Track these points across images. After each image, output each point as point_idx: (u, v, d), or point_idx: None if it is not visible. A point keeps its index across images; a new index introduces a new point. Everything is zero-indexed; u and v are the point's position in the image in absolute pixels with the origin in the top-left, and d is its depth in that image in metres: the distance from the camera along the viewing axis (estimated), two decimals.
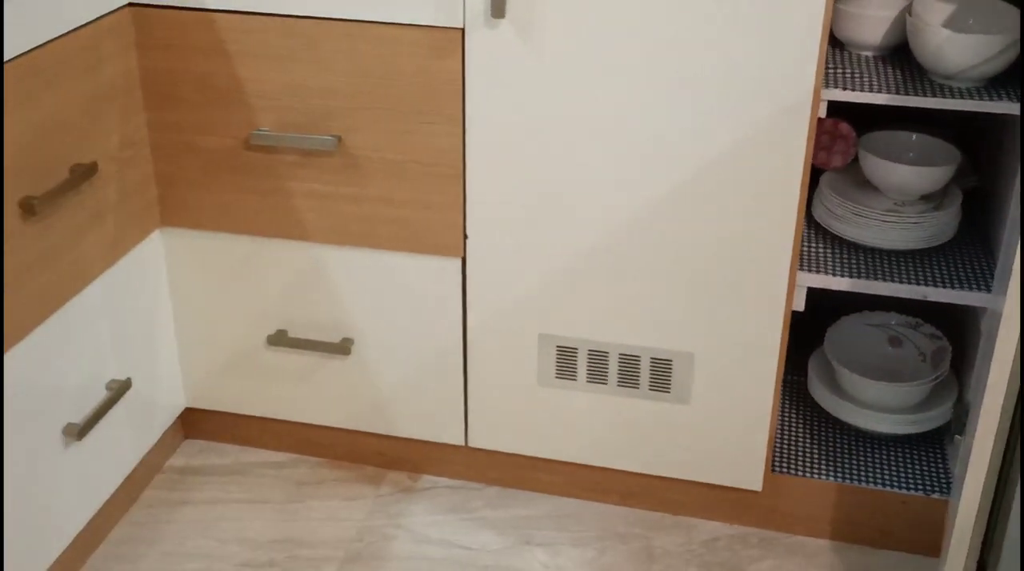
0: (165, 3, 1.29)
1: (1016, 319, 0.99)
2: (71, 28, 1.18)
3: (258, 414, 1.55)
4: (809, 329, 1.53)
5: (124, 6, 1.28)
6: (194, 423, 1.60)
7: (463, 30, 1.22)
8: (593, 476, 1.48)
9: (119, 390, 1.33)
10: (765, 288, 1.28)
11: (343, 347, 1.44)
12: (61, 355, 1.24)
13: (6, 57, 1.08)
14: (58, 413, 1.24)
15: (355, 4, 1.24)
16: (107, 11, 1.24)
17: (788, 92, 1.17)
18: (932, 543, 1.40)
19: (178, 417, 1.56)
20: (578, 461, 1.46)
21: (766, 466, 1.39)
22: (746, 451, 1.38)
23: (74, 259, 1.23)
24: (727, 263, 1.28)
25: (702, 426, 1.38)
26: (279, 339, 1.45)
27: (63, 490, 1.27)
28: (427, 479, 1.55)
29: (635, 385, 1.38)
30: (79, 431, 1.26)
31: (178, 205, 1.40)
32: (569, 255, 1.32)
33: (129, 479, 1.45)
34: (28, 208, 1.13)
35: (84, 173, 1.21)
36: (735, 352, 1.33)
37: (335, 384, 1.48)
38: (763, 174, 1.22)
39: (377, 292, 1.40)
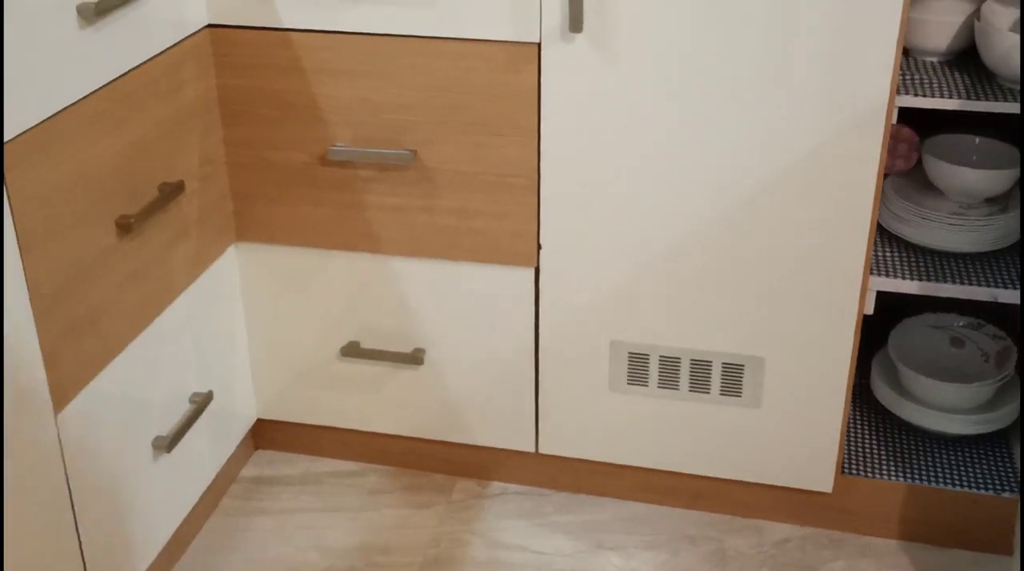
0: (242, 23, 1.32)
1: None
2: (157, 52, 1.21)
3: (328, 424, 1.57)
4: (867, 331, 1.54)
5: (203, 28, 1.31)
6: (263, 434, 1.63)
7: (539, 44, 1.25)
8: (663, 480, 1.50)
9: (202, 403, 1.36)
10: (837, 292, 1.30)
11: (415, 357, 1.46)
12: (151, 370, 1.27)
13: (99, 83, 1.11)
14: (148, 426, 1.27)
15: (431, 22, 1.26)
16: (188, 34, 1.28)
17: (863, 100, 1.19)
18: (1003, 542, 1.41)
19: (249, 428, 1.59)
20: (647, 466, 1.48)
21: (836, 468, 1.41)
22: (817, 453, 1.40)
23: (162, 275, 1.26)
24: (799, 268, 1.30)
25: (773, 429, 1.40)
26: (352, 350, 1.48)
27: (153, 501, 1.30)
28: (496, 485, 1.57)
29: (706, 390, 1.40)
30: (168, 443, 1.29)
31: (253, 220, 1.43)
32: (641, 263, 1.34)
33: (208, 489, 1.48)
34: (125, 226, 1.16)
35: (172, 191, 1.24)
36: (806, 356, 1.35)
37: (406, 394, 1.51)
38: (837, 180, 1.24)
39: (450, 302, 1.43)
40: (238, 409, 1.52)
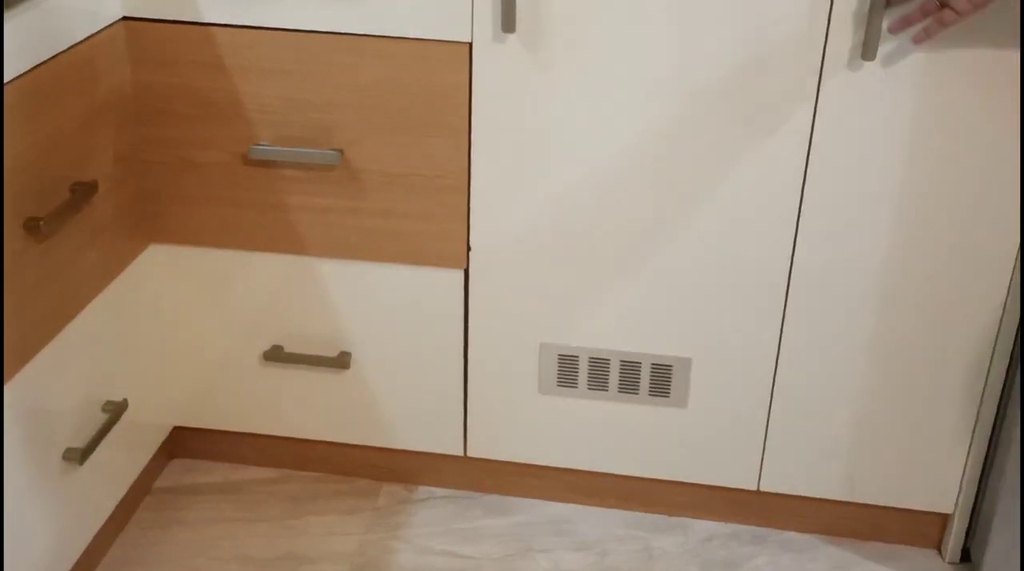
0: (160, 17, 1.26)
1: None
2: (69, 45, 1.15)
3: (249, 431, 1.53)
4: None
5: (118, 21, 1.25)
6: (180, 442, 1.58)
7: (471, 44, 1.23)
8: (590, 481, 1.51)
9: (116, 411, 1.31)
10: (761, 292, 1.32)
11: (341, 361, 1.43)
12: (61, 378, 1.21)
13: (8, 77, 1.05)
14: (58, 438, 1.21)
15: (360, 19, 1.23)
16: (102, 26, 1.22)
17: (787, 104, 1.21)
18: (920, 533, 1.46)
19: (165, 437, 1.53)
20: (576, 467, 1.48)
21: (760, 465, 1.43)
22: (742, 451, 1.42)
23: (74, 280, 1.20)
24: (725, 268, 1.32)
25: (699, 429, 1.42)
26: (275, 355, 1.44)
27: (63, 516, 1.24)
28: (423, 490, 1.55)
29: (635, 391, 1.41)
30: (80, 455, 1.22)
31: (171, 221, 1.37)
32: (571, 265, 1.34)
33: (122, 502, 1.42)
34: (33, 229, 1.10)
35: (85, 192, 1.18)
36: (731, 356, 1.37)
37: (330, 398, 1.47)
38: (764, 186, 1.26)
39: (377, 305, 1.40)
40: (154, 417, 1.46)
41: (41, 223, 1.09)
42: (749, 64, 1.20)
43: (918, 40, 1.13)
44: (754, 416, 1.40)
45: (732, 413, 1.40)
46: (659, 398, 1.41)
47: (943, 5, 1.09)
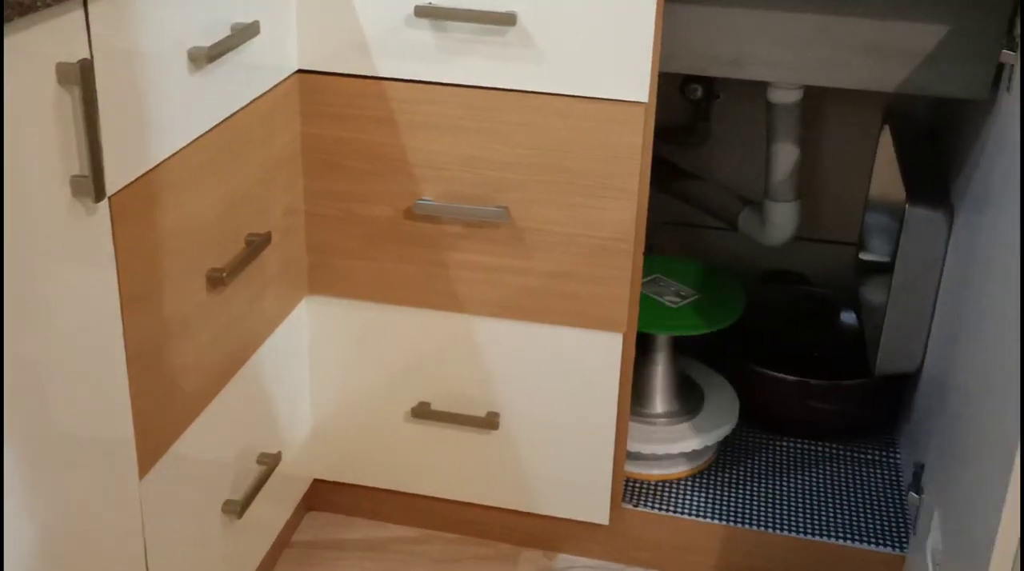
0: (335, 71, 1.27)
1: None
2: (252, 99, 1.16)
3: (389, 487, 1.50)
4: None
5: (294, 74, 1.26)
6: (318, 495, 1.56)
7: (646, 105, 1.20)
8: (744, 557, 1.44)
9: (271, 463, 1.29)
10: None
11: (490, 421, 1.40)
12: (226, 430, 1.20)
13: (198, 132, 1.06)
14: (219, 490, 1.20)
15: (535, 77, 1.22)
16: (280, 79, 1.23)
17: None
18: None
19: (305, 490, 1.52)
20: (730, 545, 1.41)
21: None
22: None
23: (242, 332, 1.20)
24: None
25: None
26: (422, 412, 1.42)
27: (219, 568, 1.22)
28: (563, 558, 1.50)
29: None
30: (239, 508, 1.21)
31: (330, 273, 1.37)
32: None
33: (265, 554, 1.40)
34: (215, 281, 1.10)
35: (260, 244, 1.18)
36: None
37: (475, 459, 1.44)
38: None
39: (531, 366, 1.37)
40: (300, 470, 1.44)
41: (224, 275, 1.09)
42: None
43: None
44: None
45: None
46: None
47: None
